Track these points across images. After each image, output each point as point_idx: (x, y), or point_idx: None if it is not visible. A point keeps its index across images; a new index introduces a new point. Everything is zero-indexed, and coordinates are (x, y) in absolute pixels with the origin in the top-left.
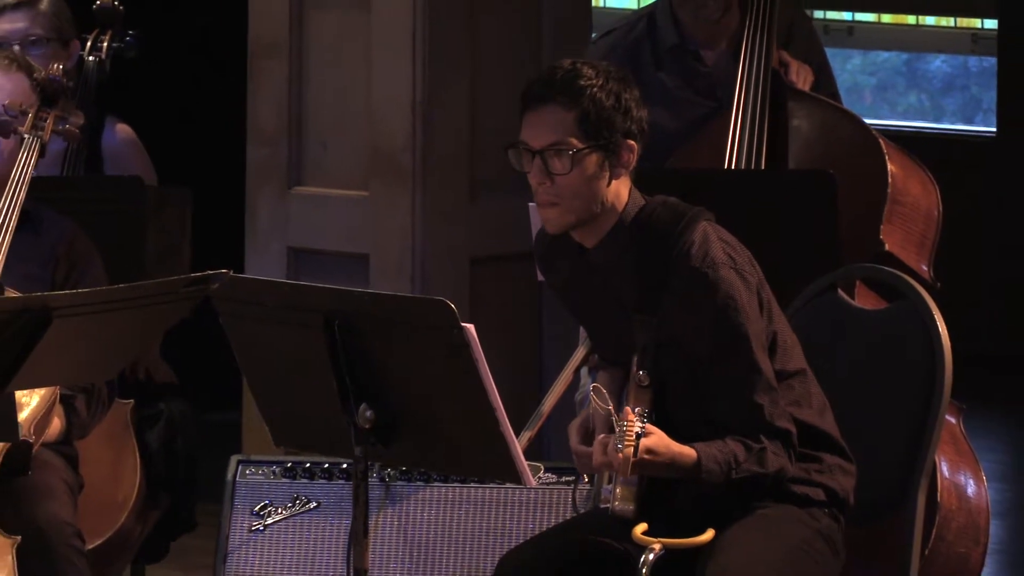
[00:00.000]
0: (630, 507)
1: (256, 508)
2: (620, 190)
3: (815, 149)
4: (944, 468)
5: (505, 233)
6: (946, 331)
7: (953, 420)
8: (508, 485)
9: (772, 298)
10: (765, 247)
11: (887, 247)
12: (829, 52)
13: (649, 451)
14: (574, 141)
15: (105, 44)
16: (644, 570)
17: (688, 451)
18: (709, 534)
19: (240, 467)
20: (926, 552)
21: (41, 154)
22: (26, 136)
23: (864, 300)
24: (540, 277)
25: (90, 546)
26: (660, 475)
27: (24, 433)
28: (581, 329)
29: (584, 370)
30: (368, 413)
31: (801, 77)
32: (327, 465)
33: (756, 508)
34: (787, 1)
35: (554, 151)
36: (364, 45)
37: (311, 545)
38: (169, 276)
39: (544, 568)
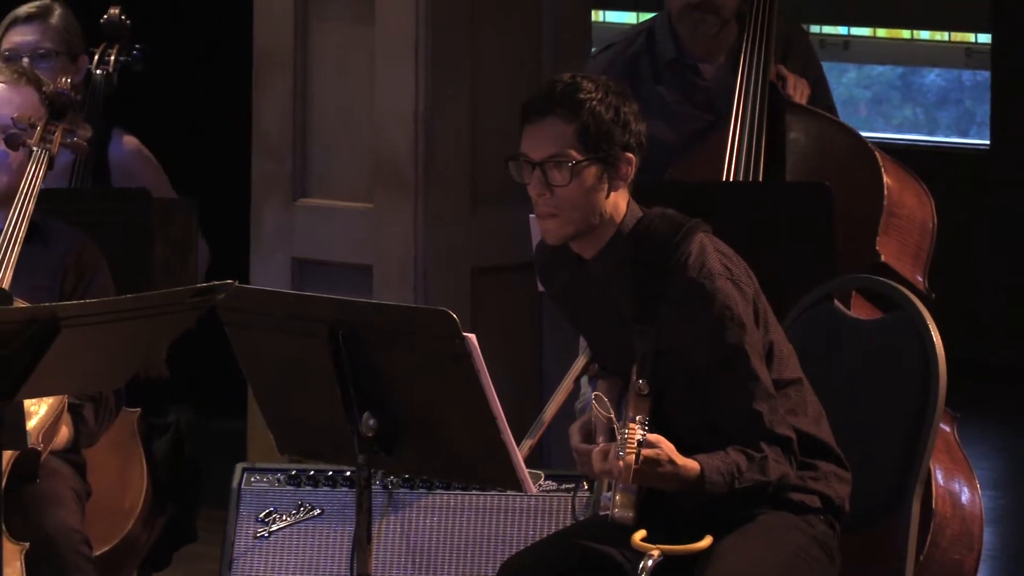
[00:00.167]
0: (629, 514)
1: (261, 515)
2: (618, 202)
3: (812, 161)
4: (939, 476)
5: (506, 244)
6: (940, 341)
7: (947, 428)
8: (509, 492)
9: (768, 308)
10: (762, 258)
11: (883, 258)
12: (825, 66)
13: (653, 461)
14: (573, 153)
15: (112, 58)
16: None
17: (692, 464)
18: (707, 541)
19: (245, 475)
20: (921, 558)
21: (50, 166)
22: (35, 149)
23: (860, 310)
24: (540, 287)
25: (97, 552)
26: (663, 487)
27: (32, 441)
28: (581, 339)
29: (584, 379)
30: (371, 421)
31: (798, 90)
32: (331, 473)
33: (753, 515)
34: (784, 16)
35: (553, 163)
36: (367, 58)
37: (315, 552)
38: (175, 286)
39: (544, 574)
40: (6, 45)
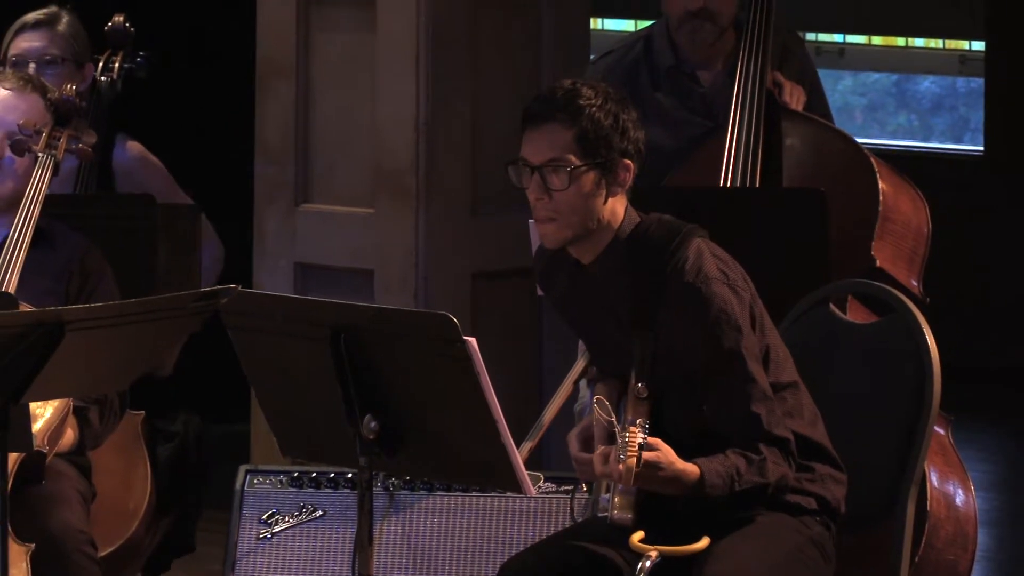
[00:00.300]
0: (628, 515)
1: (264, 516)
2: (616, 208)
3: (808, 167)
4: (933, 477)
5: (506, 249)
6: (935, 344)
7: (942, 431)
8: (509, 494)
9: (764, 312)
10: (759, 263)
11: (878, 263)
12: (821, 73)
13: (653, 465)
14: (572, 158)
15: (117, 65)
16: None
17: (692, 468)
18: (704, 542)
19: (248, 477)
20: (916, 559)
21: (55, 172)
22: (40, 155)
23: (855, 314)
24: (540, 292)
25: (102, 553)
26: (663, 491)
27: (38, 443)
28: (580, 342)
29: (583, 382)
30: (373, 424)
31: (794, 97)
32: (333, 475)
33: (750, 516)
34: (780, 24)
35: (552, 167)
36: (369, 67)
37: (317, 553)
38: (179, 291)
39: (544, 575)
40: (14, 51)
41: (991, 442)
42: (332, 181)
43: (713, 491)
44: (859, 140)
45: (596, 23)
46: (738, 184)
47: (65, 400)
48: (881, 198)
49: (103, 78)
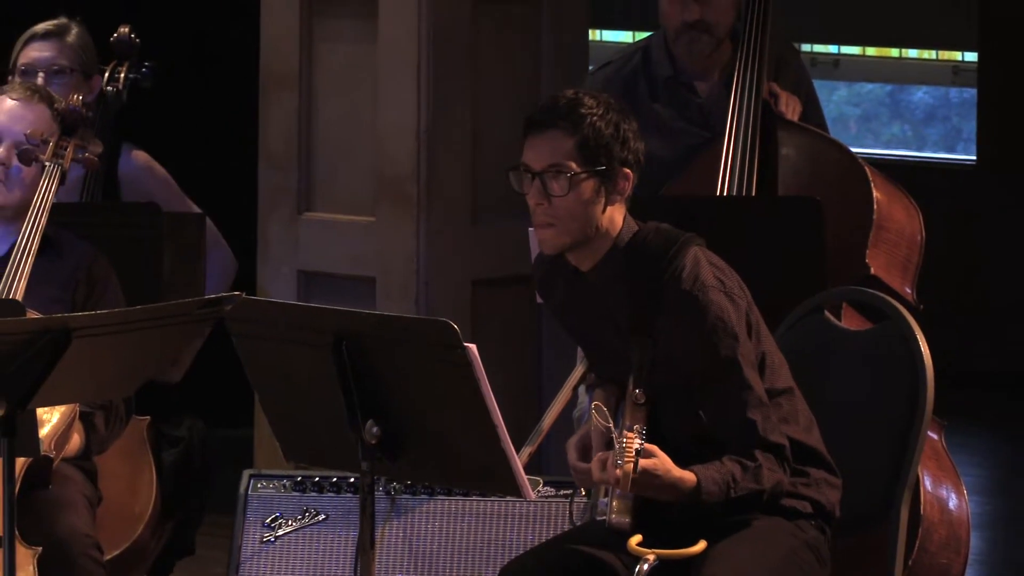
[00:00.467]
0: (626, 519)
1: (267, 520)
2: (615, 216)
3: (803, 176)
4: (927, 482)
5: (506, 257)
6: (928, 351)
7: (935, 436)
8: (509, 498)
9: (760, 319)
10: (755, 270)
11: (872, 270)
12: (816, 84)
13: (649, 472)
14: (573, 165)
15: (122, 75)
16: None
17: (688, 475)
18: (701, 545)
19: (252, 481)
20: (909, 563)
21: (61, 181)
22: (47, 164)
23: (850, 321)
24: (539, 299)
25: (108, 557)
26: (660, 497)
27: (45, 448)
28: (578, 349)
29: (582, 388)
30: (374, 429)
31: (790, 108)
32: (335, 479)
33: (746, 520)
34: (776, 35)
35: (553, 173)
36: (370, 76)
37: (320, 556)
38: (184, 298)
39: None
40: (23, 60)
41: (984, 447)
42: (334, 189)
43: (709, 498)
44: (854, 150)
45: (595, 34)
46: (735, 193)
47: (72, 406)
48: (875, 207)
49: (109, 88)
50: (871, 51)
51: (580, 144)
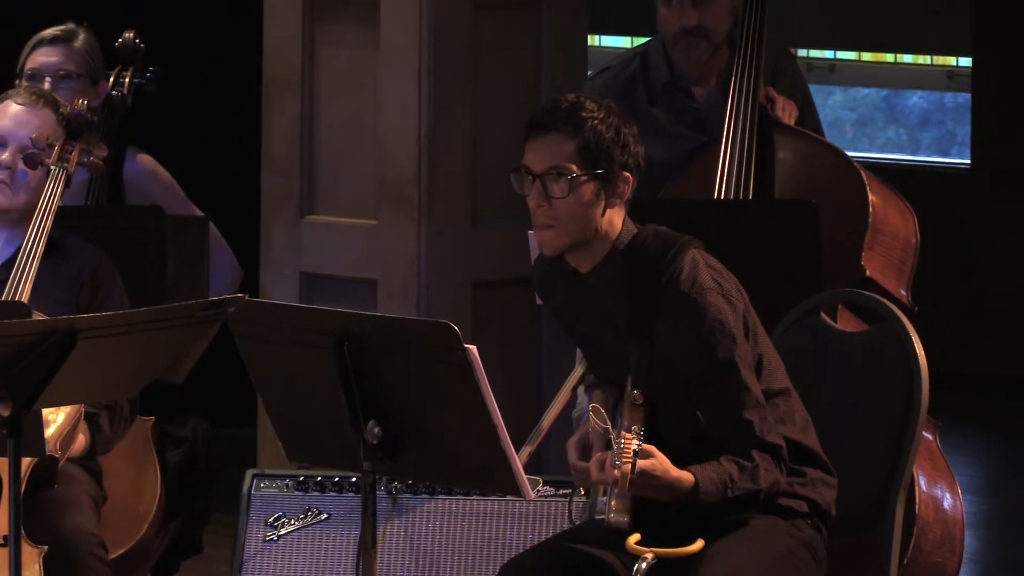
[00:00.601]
0: (624, 519)
1: (270, 519)
2: (614, 219)
3: (800, 180)
4: (922, 482)
5: (505, 259)
6: (923, 352)
7: (930, 436)
8: (509, 498)
9: (757, 321)
10: (752, 273)
11: (868, 273)
12: (812, 88)
13: (647, 472)
14: (573, 168)
15: (127, 80)
16: None
17: (686, 476)
18: (698, 544)
19: (255, 481)
20: (905, 561)
21: (67, 185)
22: (52, 168)
23: (846, 323)
24: (539, 300)
25: (112, 555)
26: (658, 497)
27: (50, 448)
28: (578, 349)
29: (581, 388)
30: (376, 429)
31: (786, 112)
32: (337, 479)
33: (743, 519)
34: (773, 41)
35: (554, 175)
36: (372, 81)
37: (322, 555)
38: (187, 300)
39: None
40: (30, 65)
41: (978, 447)
42: (336, 193)
43: (707, 497)
44: (849, 154)
45: (593, 39)
46: (732, 196)
47: (77, 406)
48: (871, 210)
49: (114, 92)
50: (867, 56)
51: (581, 147)
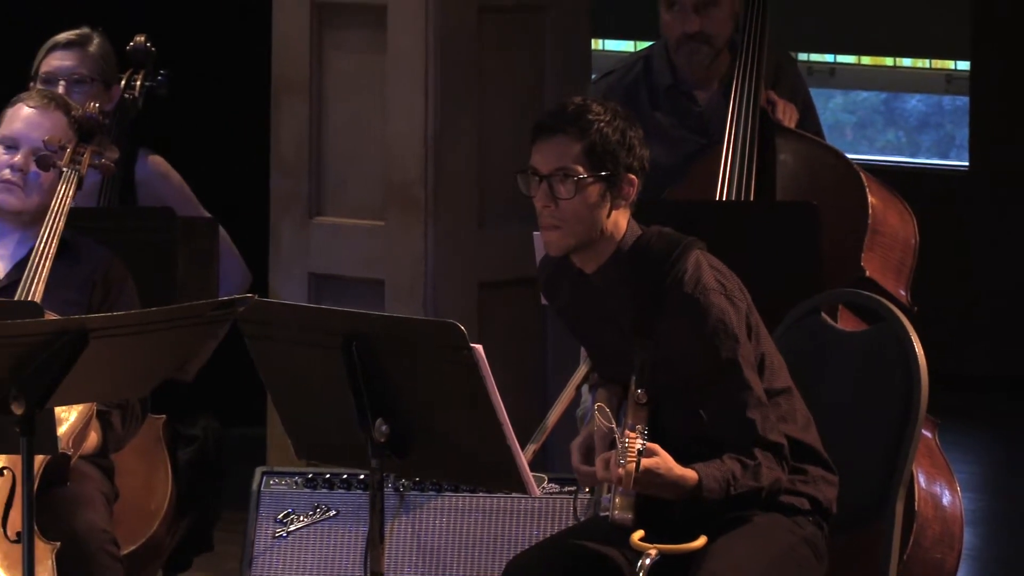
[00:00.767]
0: (628, 515)
1: (279, 516)
2: (619, 220)
3: (800, 182)
4: (921, 479)
5: (511, 259)
6: (922, 351)
7: (929, 434)
8: (514, 495)
9: (760, 321)
10: (754, 273)
11: (867, 273)
12: (812, 92)
13: (651, 471)
14: (580, 169)
15: (138, 83)
16: (641, 574)
17: (690, 474)
18: (701, 540)
19: (265, 478)
20: (904, 558)
21: (78, 187)
22: (64, 170)
23: (846, 323)
24: (544, 300)
25: (124, 552)
26: (662, 495)
27: (63, 446)
28: (582, 349)
29: (585, 387)
30: (384, 427)
31: (787, 115)
32: (345, 476)
33: (745, 516)
34: (774, 45)
35: (560, 176)
36: (379, 84)
37: (330, 551)
38: (197, 300)
39: (548, 572)
40: (45, 68)
41: (976, 445)
42: (344, 194)
43: (710, 495)
44: (849, 156)
45: (597, 44)
46: (734, 198)
47: (89, 405)
48: (870, 211)
49: (126, 95)
50: (866, 60)
51: (587, 149)
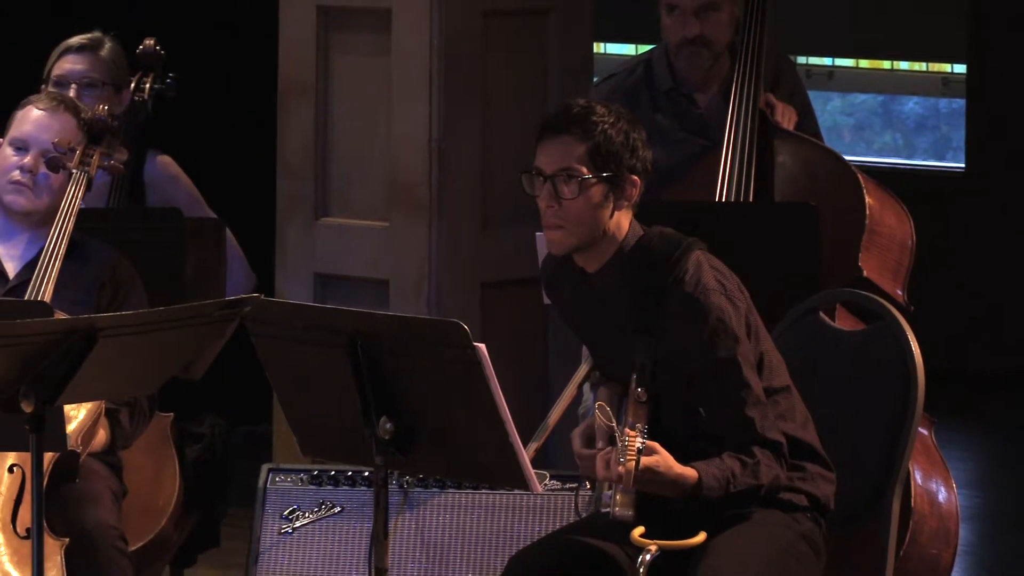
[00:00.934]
0: (629, 512)
1: (285, 513)
2: (622, 221)
3: (799, 183)
4: (917, 476)
5: (514, 260)
6: (919, 350)
7: (925, 432)
8: (517, 491)
9: (759, 321)
10: (753, 274)
11: (865, 273)
12: (811, 94)
13: (651, 469)
14: (583, 170)
15: (147, 86)
16: (641, 570)
17: (689, 472)
18: (701, 536)
19: (270, 475)
20: (900, 554)
21: (87, 188)
22: (74, 171)
23: (843, 322)
24: (546, 300)
25: (132, 548)
26: (662, 493)
27: (72, 444)
28: (583, 348)
29: (586, 386)
30: (388, 425)
31: (786, 117)
32: (350, 473)
33: (745, 513)
34: (773, 48)
35: (564, 177)
36: (385, 87)
37: (335, 547)
38: (204, 300)
39: (549, 568)
40: (57, 71)
41: (972, 442)
42: (349, 196)
43: (710, 493)
44: (847, 158)
45: (598, 47)
46: (733, 199)
47: (97, 403)
48: (868, 212)
49: (135, 98)
50: (864, 63)
51: (591, 150)
